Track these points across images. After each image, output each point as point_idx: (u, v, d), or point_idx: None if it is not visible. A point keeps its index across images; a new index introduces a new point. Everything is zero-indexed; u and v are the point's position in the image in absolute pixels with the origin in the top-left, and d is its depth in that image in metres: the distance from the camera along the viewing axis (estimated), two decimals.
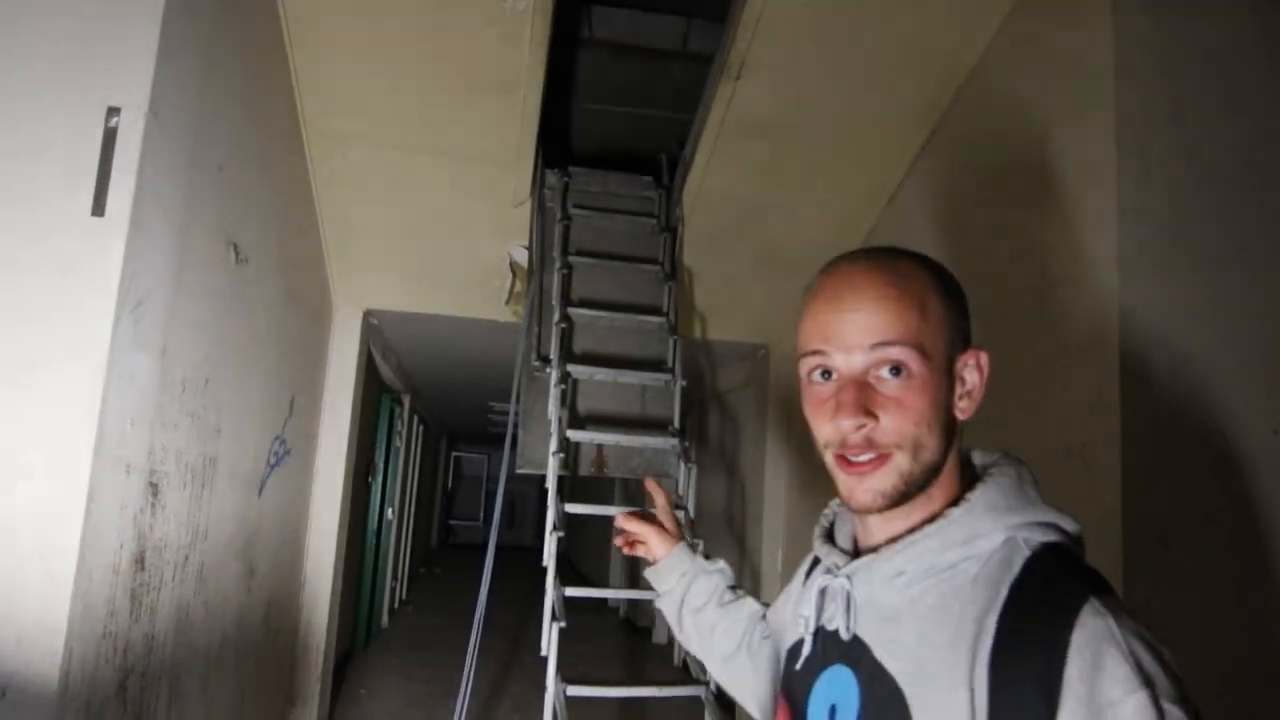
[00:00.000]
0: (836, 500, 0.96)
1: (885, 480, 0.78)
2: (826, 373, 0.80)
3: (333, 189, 3.77)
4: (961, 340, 0.83)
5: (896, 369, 0.77)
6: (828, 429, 0.79)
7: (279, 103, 3.25)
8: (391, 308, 4.54)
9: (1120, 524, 2.27)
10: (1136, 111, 2.44)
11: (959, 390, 0.82)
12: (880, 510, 0.79)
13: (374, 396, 6.02)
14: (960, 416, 0.82)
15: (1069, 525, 0.78)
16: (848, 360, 0.78)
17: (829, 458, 0.81)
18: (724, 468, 5.93)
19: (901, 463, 0.77)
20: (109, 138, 2.05)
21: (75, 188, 2.01)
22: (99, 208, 2.03)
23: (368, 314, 4.57)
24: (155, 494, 2.34)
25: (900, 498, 0.78)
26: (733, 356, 5.28)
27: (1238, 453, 2.34)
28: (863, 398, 0.77)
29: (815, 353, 0.80)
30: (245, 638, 3.34)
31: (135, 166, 2.06)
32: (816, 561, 0.98)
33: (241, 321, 2.98)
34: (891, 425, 0.77)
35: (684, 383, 3.58)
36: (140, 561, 2.28)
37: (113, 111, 2.06)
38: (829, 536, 0.92)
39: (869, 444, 0.77)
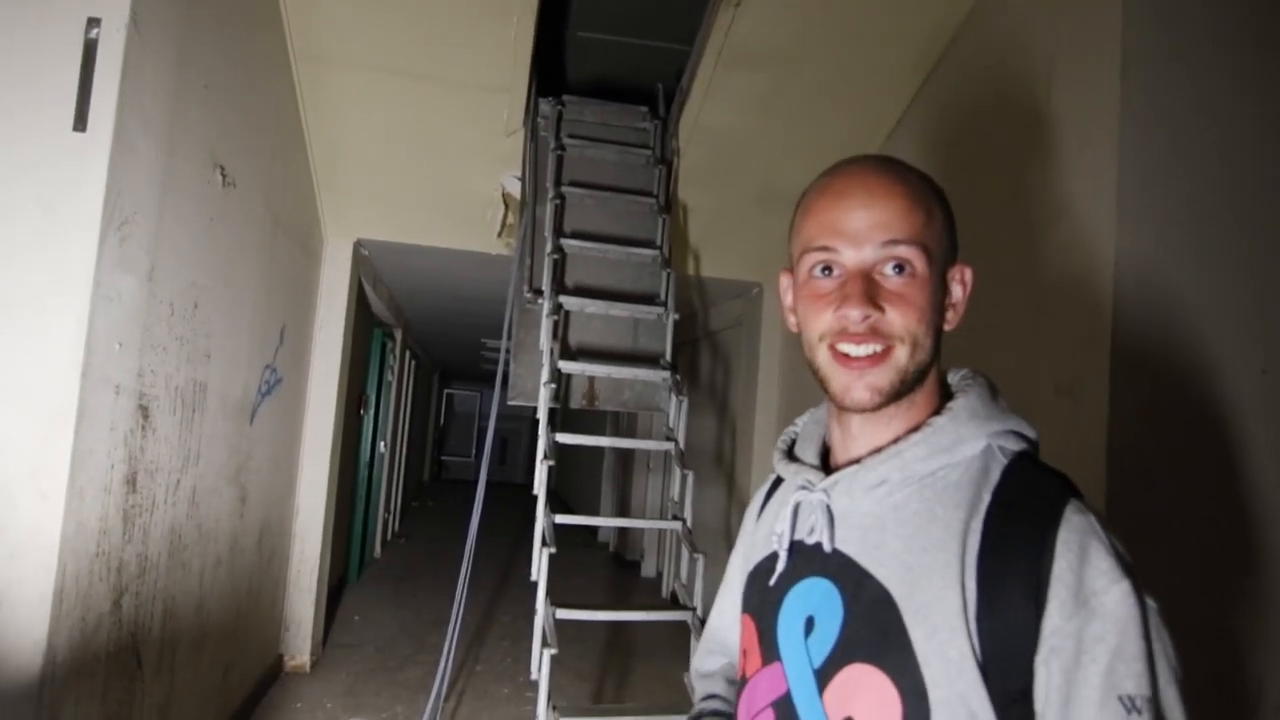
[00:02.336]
0: (800, 421, 0.97)
1: (884, 376, 0.78)
2: (828, 269, 0.80)
3: (321, 115, 3.69)
4: (953, 254, 0.84)
5: (900, 267, 0.78)
6: (828, 317, 0.79)
7: (266, 22, 3.16)
8: (382, 238, 4.49)
9: (1105, 460, 2.29)
10: (1141, 50, 2.39)
11: (947, 301, 0.83)
12: (875, 409, 0.79)
13: (365, 329, 6.00)
14: (945, 328, 0.83)
15: (1031, 433, 0.82)
16: (857, 255, 0.78)
17: (823, 354, 0.80)
18: (715, 406, 5.96)
19: (901, 357, 0.78)
20: (89, 50, 1.99)
21: (56, 102, 1.96)
22: (80, 123, 1.98)
23: (358, 244, 4.52)
24: (145, 416, 2.34)
25: (894, 395, 0.79)
26: (726, 294, 5.26)
27: (1225, 392, 2.35)
28: (872, 289, 0.77)
29: (821, 249, 0.80)
30: (239, 562, 3.39)
31: (117, 80, 2.00)
32: (776, 485, 0.98)
33: (229, 247, 2.94)
34: (896, 317, 0.77)
35: (676, 316, 3.57)
36: (132, 483, 2.29)
37: (92, 22, 2.00)
38: (792, 456, 0.92)
39: (873, 332, 0.77)
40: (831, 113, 3.77)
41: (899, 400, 0.80)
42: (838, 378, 0.80)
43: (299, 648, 4.37)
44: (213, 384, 2.87)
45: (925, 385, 0.82)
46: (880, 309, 0.77)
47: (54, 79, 1.97)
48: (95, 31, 1.99)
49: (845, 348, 0.78)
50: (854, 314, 0.77)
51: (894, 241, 0.77)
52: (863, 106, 3.70)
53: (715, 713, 1.02)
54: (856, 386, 0.78)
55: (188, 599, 2.81)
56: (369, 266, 5.05)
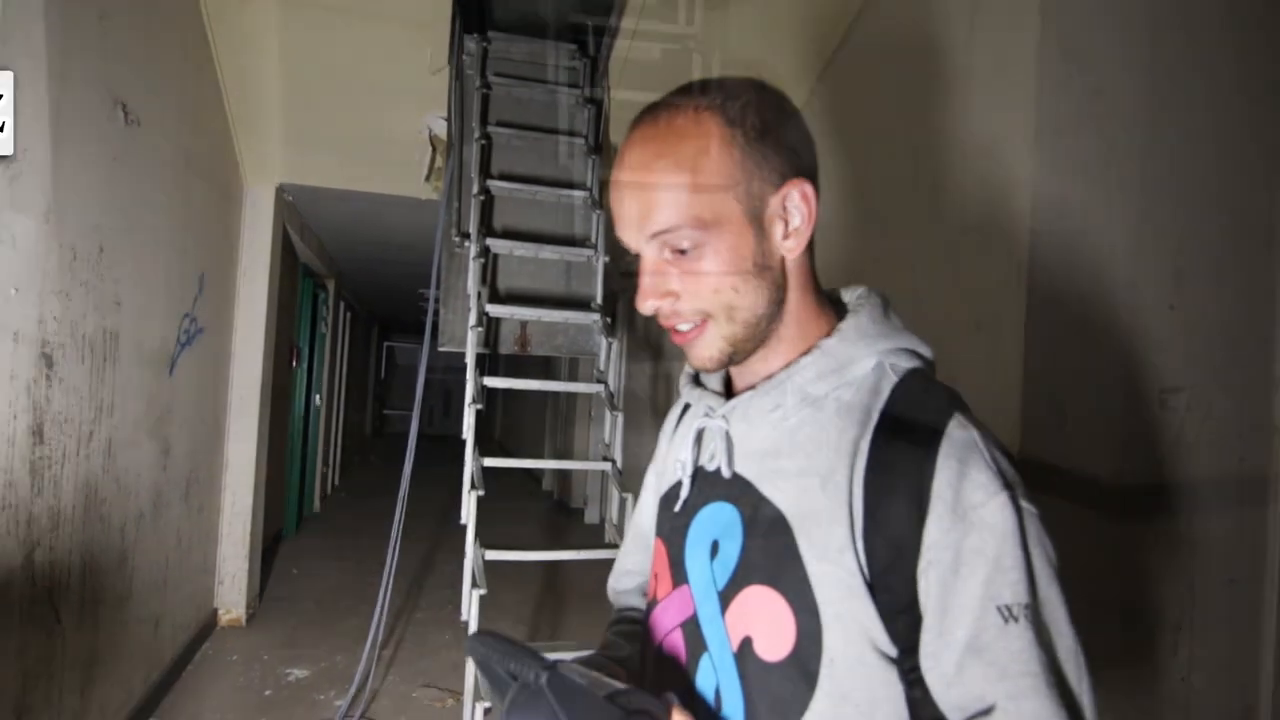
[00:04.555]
0: None
1: (709, 346, 0.78)
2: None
3: (234, 52, 3.53)
4: (775, 177, 0.75)
5: (682, 249, 0.75)
6: (645, 308, 0.79)
7: None
8: (306, 183, 4.35)
9: (1021, 393, 2.35)
10: None
11: (781, 231, 0.77)
12: (719, 369, 0.80)
13: (294, 279, 5.83)
14: (788, 255, 0.78)
15: (926, 351, 0.81)
16: (638, 246, 0.77)
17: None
18: (651, 353, 5.97)
19: (720, 326, 0.77)
20: None
21: None
22: None
23: (280, 189, 4.37)
24: (50, 365, 2.25)
25: (734, 356, 0.79)
26: None
27: (1135, 327, 2.43)
28: (659, 281, 0.76)
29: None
30: (164, 515, 3.31)
31: None
32: (686, 410, 0.99)
33: (138, 189, 2.81)
34: (690, 299, 0.76)
35: (607, 258, 3.54)
36: (38, 434, 2.21)
37: None
38: (697, 381, 0.92)
39: (677, 316, 0.77)
40: (764, 53, 3.73)
41: (753, 350, 0.80)
42: (679, 346, 0.81)
43: (234, 601, 4.32)
44: (125, 333, 2.76)
45: (803, 312, 0.80)
46: (675, 294, 0.76)
47: None
48: None
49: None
50: (648, 308, 0.77)
51: (660, 233, 0.74)
52: (791, 48, 3.66)
53: (632, 627, 1.02)
54: (692, 355, 0.80)
55: (109, 553, 2.74)
56: (294, 213, 4.89)
